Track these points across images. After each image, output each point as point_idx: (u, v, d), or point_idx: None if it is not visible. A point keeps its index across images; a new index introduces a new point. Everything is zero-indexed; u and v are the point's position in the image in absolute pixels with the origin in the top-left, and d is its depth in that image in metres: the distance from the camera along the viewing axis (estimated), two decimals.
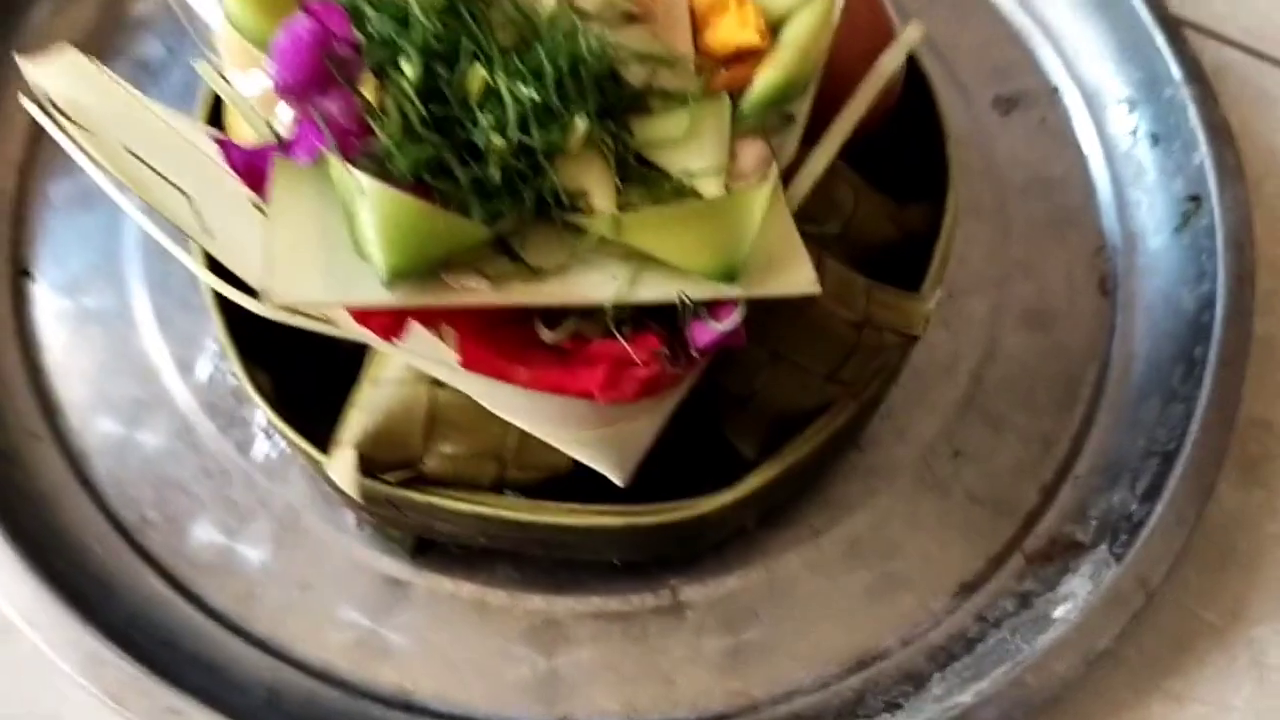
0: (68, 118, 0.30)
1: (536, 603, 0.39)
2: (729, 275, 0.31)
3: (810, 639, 0.39)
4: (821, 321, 0.35)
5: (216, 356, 0.41)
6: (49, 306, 0.42)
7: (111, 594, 0.37)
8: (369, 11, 0.31)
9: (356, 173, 0.29)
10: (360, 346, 0.37)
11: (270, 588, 0.38)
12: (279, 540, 0.39)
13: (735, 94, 0.34)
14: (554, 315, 0.31)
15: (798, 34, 0.34)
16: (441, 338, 0.31)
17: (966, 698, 0.37)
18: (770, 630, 0.39)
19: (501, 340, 0.31)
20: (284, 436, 0.35)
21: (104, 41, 0.46)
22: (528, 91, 0.30)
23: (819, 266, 0.35)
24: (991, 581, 0.40)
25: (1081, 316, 0.45)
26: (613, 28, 0.33)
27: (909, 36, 0.38)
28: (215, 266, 0.34)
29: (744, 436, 0.36)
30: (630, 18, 0.33)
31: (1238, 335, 0.41)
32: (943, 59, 0.50)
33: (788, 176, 0.34)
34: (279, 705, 0.36)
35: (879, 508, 0.41)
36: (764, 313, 0.34)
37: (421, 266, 0.29)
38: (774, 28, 0.35)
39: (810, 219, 0.35)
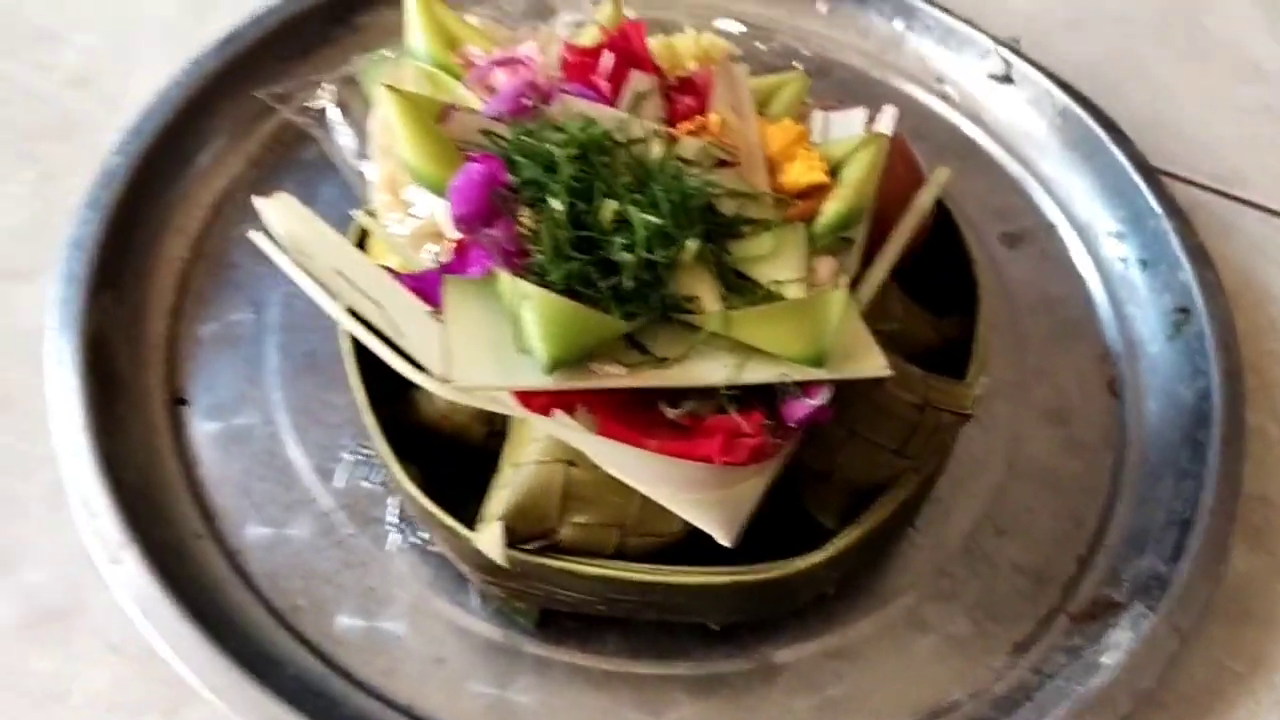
0: (286, 249, 0.37)
1: (644, 669, 0.44)
2: (818, 360, 0.38)
3: (887, 694, 0.44)
4: (889, 404, 0.41)
5: (351, 465, 0.47)
6: (202, 427, 0.48)
7: (276, 667, 0.42)
8: (521, 160, 0.38)
9: (522, 283, 0.36)
10: (480, 446, 0.43)
11: (408, 662, 0.43)
12: (413, 621, 0.44)
13: (807, 221, 0.41)
14: (675, 397, 0.38)
15: (854, 173, 0.42)
16: (578, 419, 0.37)
17: None
18: (851, 688, 0.44)
19: (632, 417, 0.37)
20: (432, 519, 0.40)
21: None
22: (651, 219, 0.37)
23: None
24: (1042, 640, 0.45)
25: (1095, 413, 0.52)
26: (707, 170, 0.40)
27: (939, 177, 0.46)
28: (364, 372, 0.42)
29: (825, 509, 0.42)
30: (721, 162, 0.41)
31: (1234, 418, 0.48)
32: (953, 202, 0.58)
33: (852, 287, 0.42)
34: None
35: (936, 579, 0.47)
36: (841, 397, 0.41)
37: (575, 356, 0.36)
38: (834, 169, 0.43)
39: (871, 323, 0.43)
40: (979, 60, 0.61)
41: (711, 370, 0.37)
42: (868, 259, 0.43)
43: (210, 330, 0.51)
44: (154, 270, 0.51)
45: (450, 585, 0.45)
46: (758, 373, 0.38)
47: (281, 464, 0.47)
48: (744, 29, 0.62)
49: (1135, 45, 0.67)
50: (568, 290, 0.36)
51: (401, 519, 0.46)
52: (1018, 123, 0.60)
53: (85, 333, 0.47)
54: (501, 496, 0.40)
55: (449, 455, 0.44)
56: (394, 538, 0.46)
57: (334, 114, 0.43)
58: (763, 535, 0.40)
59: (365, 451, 0.48)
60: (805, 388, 0.38)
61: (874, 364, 0.39)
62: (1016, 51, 0.61)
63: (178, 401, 0.49)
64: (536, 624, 0.44)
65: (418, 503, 0.41)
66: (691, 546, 0.40)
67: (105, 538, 0.43)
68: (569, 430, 0.37)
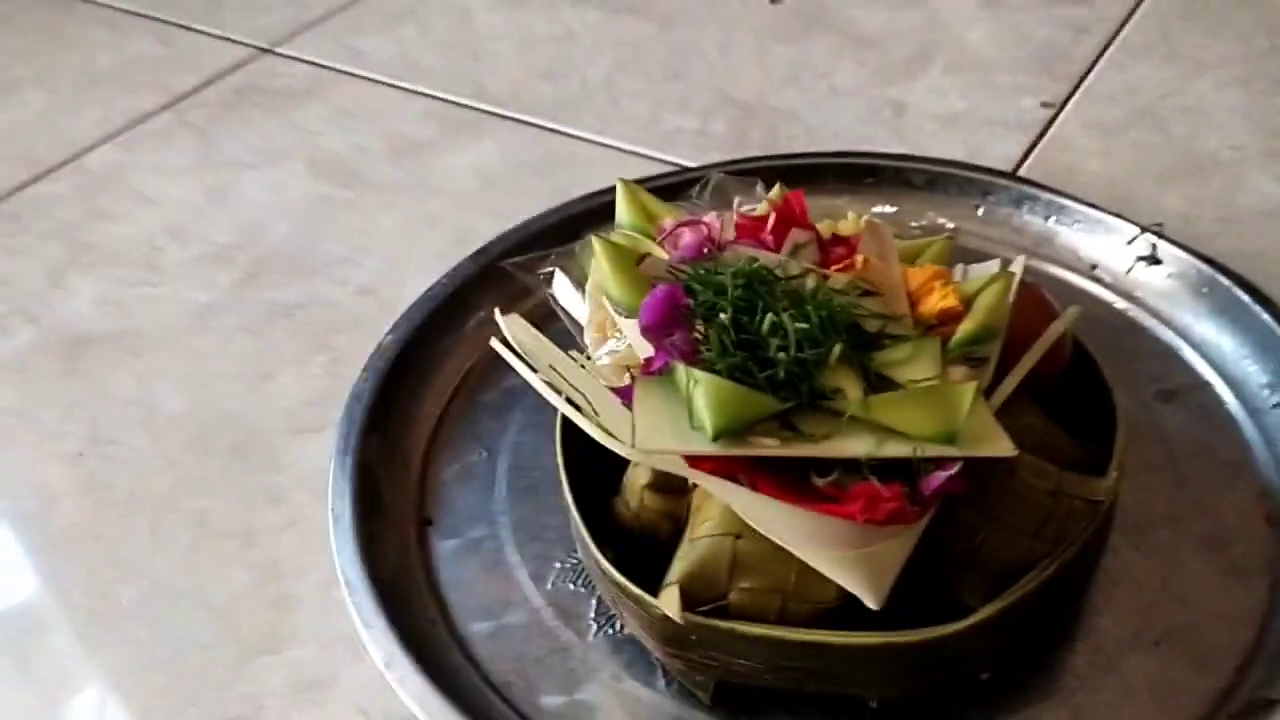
0: (519, 354, 0.47)
1: None
2: (948, 439, 0.44)
3: None
4: (1023, 490, 0.47)
5: (560, 572, 0.55)
6: (443, 543, 0.57)
7: None
8: (698, 288, 0.48)
9: (693, 370, 0.45)
10: (665, 543, 0.50)
11: None
12: (606, 696, 0.50)
13: (944, 342, 0.49)
14: (823, 469, 0.45)
15: (985, 300, 0.50)
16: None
17: None
18: None
19: (786, 484, 0.44)
20: (622, 591, 0.48)
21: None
22: (801, 325, 0.46)
23: (1019, 458, 0.48)
24: None
25: (1253, 542, 0.54)
26: (854, 297, 0.49)
27: (1070, 314, 0.53)
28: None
29: (971, 592, 0.47)
30: (866, 292, 0.50)
31: None
32: (1110, 365, 0.63)
33: (985, 395, 0.48)
34: None
35: (1094, 681, 0.49)
36: (979, 484, 0.46)
37: (736, 427, 0.44)
38: (968, 301, 0.50)
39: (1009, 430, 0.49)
40: (1126, 245, 0.68)
41: (854, 445, 0.44)
42: (1001, 378, 0.50)
43: (453, 470, 0.61)
44: (413, 422, 0.63)
45: (641, 669, 0.51)
46: (895, 449, 0.44)
47: (504, 570, 0.56)
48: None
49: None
50: (731, 379, 0.45)
51: (599, 612, 0.54)
52: (1167, 296, 0.66)
53: (357, 463, 0.58)
54: (678, 566, 0.47)
55: (641, 554, 0.51)
56: (593, 628, 0.53)
57: (560, 276, 0.54)
58: (918, 621, 0.45)
59: (573, 559, 0.56)
60: (938, 465, 0.44)
61: (1001, 445, 0.45)
62: (1161, 235, 0.67)
63: (425, 522, 0.59)
64: (712, 698, 0.49)
65: (609, 577, 0.48)
66: (848, 617, 0.46)
67: (365, 619, 0.52)
68: (731, 490, 0.44)
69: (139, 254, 0.78)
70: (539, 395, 0.50)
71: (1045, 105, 0.86)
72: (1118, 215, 0.69)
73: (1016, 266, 0.53)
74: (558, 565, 0.56)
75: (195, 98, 0.94)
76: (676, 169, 0.79)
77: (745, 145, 0.84)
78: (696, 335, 0.47)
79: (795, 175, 0.73)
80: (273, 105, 0.92)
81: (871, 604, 0.45)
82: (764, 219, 0.53)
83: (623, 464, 0.52)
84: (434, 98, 0.92)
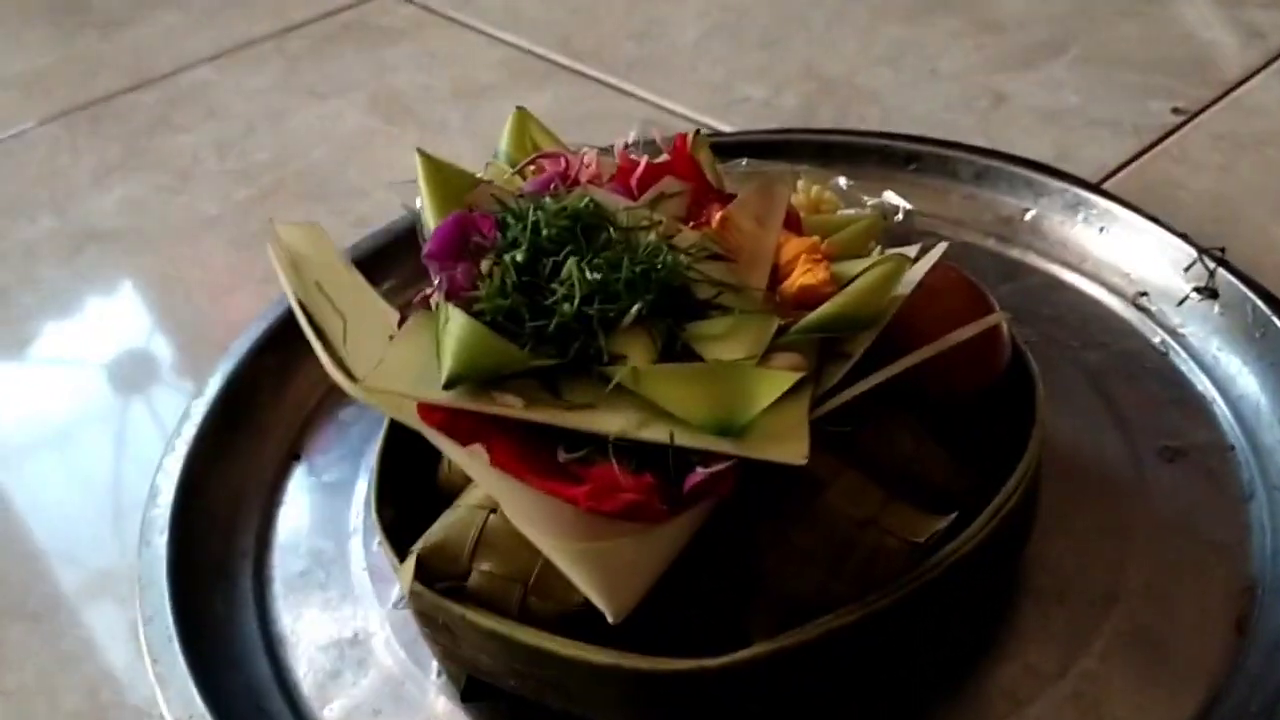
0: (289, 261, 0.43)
1: None
2: (724, 430, 0.36)
3: None
4: (825, 514, 0.38)
5: None
6: (303, 479, 0.54)
7: (235, 671, 0.45)
8: (510, 222, 0.42)
9: (449, 305, 0.38)
10: None
11: (350, 705, 0.44)
12: (375, 672, 0.45)
13: (788, 326, 0.40)
14: (574, 444, 0.38)
15: (858, 284, 0.41)
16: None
17: None
18: None
19: (527, 455, 0.37)
20: (384, 549, 0.42)
21: None
22: (591, 276, 0.39)
23: (839, 475, 0.39)
24: None
25: (1205, 649, 0.42)
26: (698, 260, 0.41)
27: (986, 320, 0.42)
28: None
29: (758, 624, 0.38)
30: (714, 256, 0.42)
31: None
32: (1116, 410, 0.52)
33: (825, 396, 0.39)
34: None
35: None
36: (775, 495, 0.38)
37: (473, 376, 0.37)
38: (845, 285, 0.41)
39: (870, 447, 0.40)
40: (1183, 273, 0.55)
41: (609, 420, 0.37)
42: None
43: (349, 411, 0.57)
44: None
45: (423, 651, 0.45)
46: (654, 432, 0.36)
47: (341, 520, 0.51)
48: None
49: None
50: (495, 326, 0.38)
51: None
52: (1216, 336, 0.53)
53: (234, 377, 0.55)
54: (428, 533, 0.41)
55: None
56: (395, 599, 0.48)
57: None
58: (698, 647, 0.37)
59: None
60: (706, 459, 0.36)
61: (790, 451, 0.36)
62: (1223, 262, 0.54)
63: (294, 456, 0.55)
64: (464, 694, 0.43)
65: (380, 534, 0.43)
66: (606, 633, 0.38)
67: (151, 526, 0.49)
68: (456, 450, 0.38)
69: (180, 164, 0.79)
70: None
71: (1177, 111, 0.72)
72: (1182, 236, 0.56)
73: (933, 251, 0.43)
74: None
75: (303, 29, 0.95)
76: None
77: (809, 121, 0.75)
78: (478, 270, 0.40)
79: (829, 155, 0.65)
80: (367, 42, 0.92)
81: (608, 613, 0.37)
82: (636, 163, 0.46)
83: None
84: (517, 47, 0.89)
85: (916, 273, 0.42)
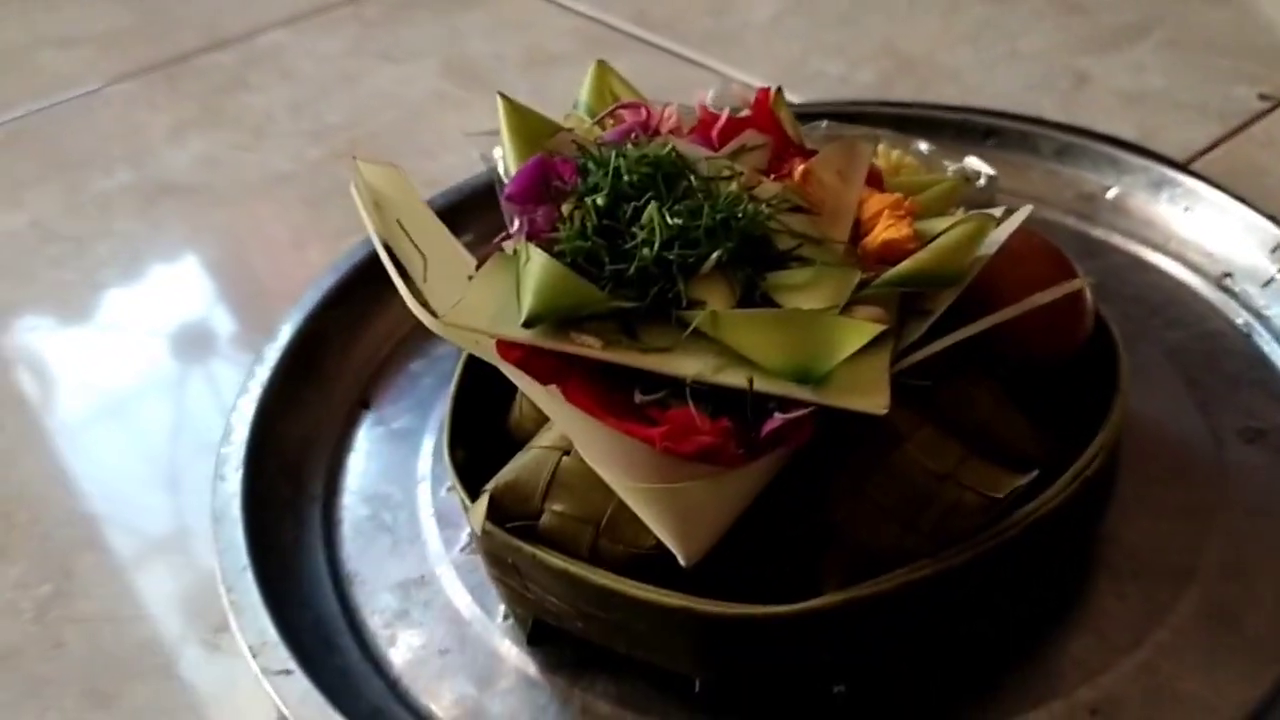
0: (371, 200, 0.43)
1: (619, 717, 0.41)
2: (803, 377, 0.36)
3: None
4: (903, 467, 0.37)
5: None
6: (373, 429, 0.54)
7: (305, 609, 0.45)
8: (592, 167, 0.41)
9: (530, 245, 0.38)
10: None
11: (416, 645, 0.44)
12: (440, 613, 0.45)
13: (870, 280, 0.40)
14: (652, 388, 0.37)
15: (942, 241, 0.40)
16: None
17: None
18: None
19: (602, 394, 0.37)
20: (456, 489, 0.42)
21: None
22: (676, 222, 0.38)
23: (917, 429, 0.38)
24: None
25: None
26: (779, 212, 0.41)
27: (1069, 285, 0.42)
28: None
29: (831, 576, 0.38)
30: (796, 208, 0.41)
31: None
32: (1194, 392, 0.50)
33: (906, 352, 0.39)
34: None
35: None
36: (855, 447, 0.37)
37: (553, 314, 0.37)
38: (927, 242, 0.41)
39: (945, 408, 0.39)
40: (1269, 254, 0.54)
41: (687, 363, 0.37)
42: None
43: (420, 363, 0.58)
44: (393, 305, 0.57)
45: (488, 595, 0.45)
46: (732, 377, 0.36)
47: (410, 466, 0.52)
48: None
49: None
50: (575, 268, 0.38)
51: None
52: None
53: (305, 329, 0.56)
54: (500, 473, 0.41)
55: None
56: (463, 544, 0.48)
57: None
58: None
59: None
60: (785, 406, 0.36)
61: (872, 402, 0.36)
62: None
63: (363, 405, 0.55)
64: (530, 637, 0.43)
65: (453, 474, 0.43)
66: (676, 577, 0.38)
67: (226, 462, 0.49)
68: (534, 388, 0.38)
69: (254, 122, 0.80)
70: None
71: (1264, 97, 0.70)
72: (1269, 216, 0.55)
73: (1018, 214, 0.42)
74: None
75: None
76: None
77: (885, 97, 0.74)
78: (560, 216, 0.40)
79: (906, 127, 0.64)
80: (444, 8, 0.92)
81: (681, 557, 0.37)
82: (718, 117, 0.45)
83: None
84: (591, 18, 0.88)
85: (1000, 234, 0.41)
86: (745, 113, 0.47)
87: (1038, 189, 0.62)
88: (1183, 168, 0.60)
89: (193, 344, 0.62)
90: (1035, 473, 0.38)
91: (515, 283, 0.39)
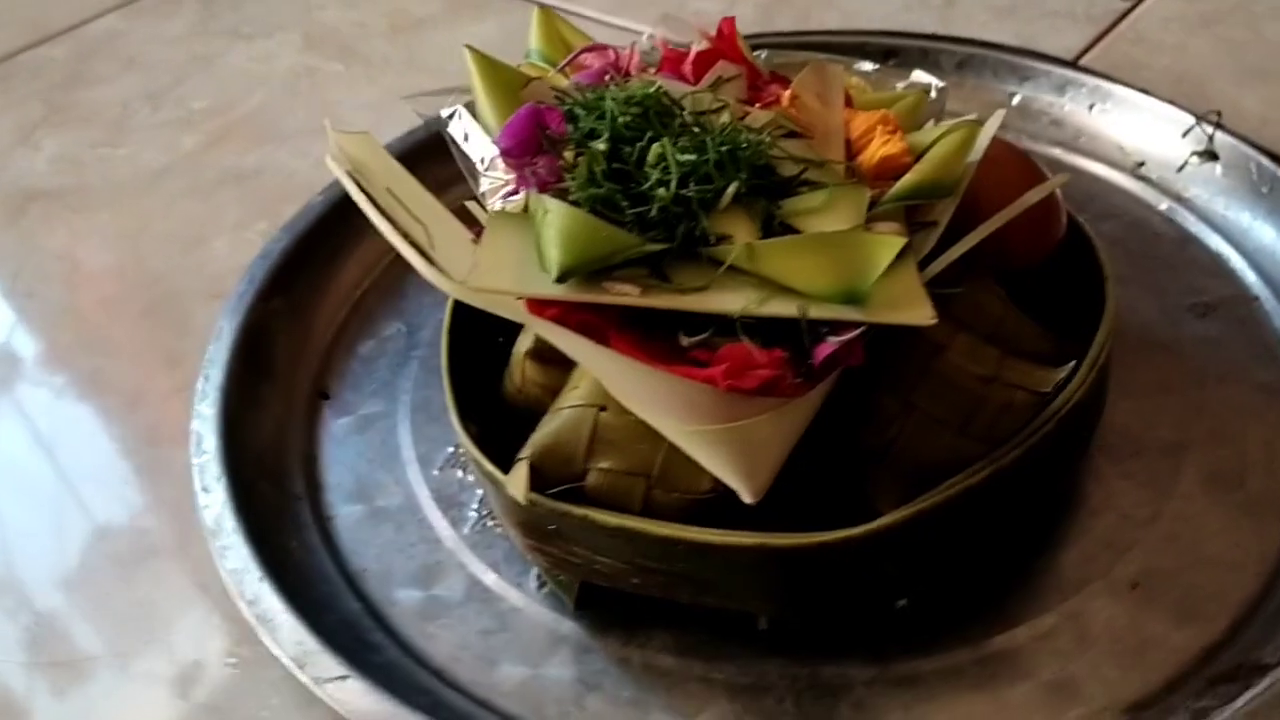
0: (353, 174, 0.40)
1: (684, 668, 0.40)
2: (850, 298, 0.36)
3: None
4: (950, 374, 0.38)
5: (449, 457, 0.49)
6: (337, 419, 0.51)
7: (327, 614, 0.42)
8: (580, 113, 0.40)
9: (545, 198, 0.37)
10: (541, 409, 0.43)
11: (454, 630, 0.42)
12: (468, 594, 0.44)
13: (879, 198, 0.40)
14: (694, 328, 0.37)
15: (936, 152, 0.41)
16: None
17: None
18: None
19: (647, 344, 0.36)
20: (477, 467, 0.41)
21: None
22: (689, 157, 0.38)
23: (953, 336, 0.39)
24: (1164, 701, 0.37)
25: (1276, 477, 0.44)
26: (775, 138, 0.40)
27: (1054, 180, 0.43)
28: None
29: (884, 494, 0.38)
30: (791, 134, 0.41)
31: None
32: (1142, 273, 0.53)
33: (924, 263, 0.39)
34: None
35: (1043, 627, 0.40)
36: (895, 364, 0.38)
37: (586, 266, 0.36)
38: (919, 155, 0.41)
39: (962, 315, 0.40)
40: (1180, 139, 0.57)
41: (730, 299, 0.36)
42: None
43: (367, 345, 0.55)
44: (329, 289, 0.56)
45: (513, 569, 0.44)
46: (780, 306, 0.36)
47: (390, 451, 0.49)
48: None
49: None
50: (592, 213, 0.37)
51: (482, 503, 0.47)
52: (1222, 196, 0.55)
53: (247, 323, 0.52)
54: (533, 440, 0.40)
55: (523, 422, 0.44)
56: (471, 520, 0.46)
57: (464, 115, 0.47)
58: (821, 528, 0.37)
59: None
60: (835, 329, 0.36)
61: (918, 313, 0.36)
62: (1220, 125, 0.56)
63: (321, 395, 0.52)
64: (577, 603, 0.42)
65: (469, 454, 0.41)
66: (729, 515, 0.38)
67: (204, 483, 0.46)
68: (577, 343, 0.36)
69: (110, 116, 0.74)
70: None
71: None
72: (1172, 103, 0.58)
73: (992, 120, 0.43)
74: (450, 450, 0.49)
75: None
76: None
77: (771, 28, 0.75)
78: (564, 164, 0.39)
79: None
80: None
81: (746, 494, 0.37)
82: (687, 52, 0.44)
83: None
84: None
85: (982, 141, 0.43)
86: (702, 45, 0.46)
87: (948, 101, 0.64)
88: (1083, 68, 0.62)
89: (111, 354, 0.57)
90: (1073, 363, 0.39)
91: (530, 238, 0.37)
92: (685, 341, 0.36)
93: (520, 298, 0.36)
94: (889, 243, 0.37)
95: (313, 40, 0.80)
